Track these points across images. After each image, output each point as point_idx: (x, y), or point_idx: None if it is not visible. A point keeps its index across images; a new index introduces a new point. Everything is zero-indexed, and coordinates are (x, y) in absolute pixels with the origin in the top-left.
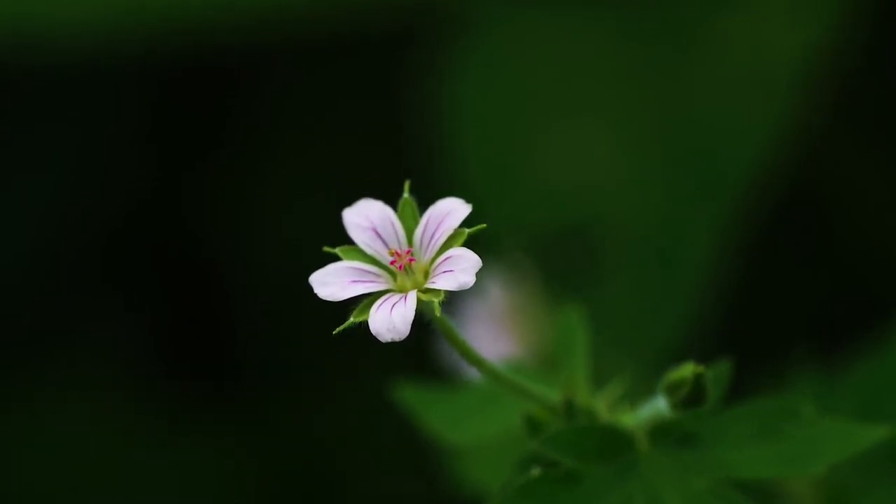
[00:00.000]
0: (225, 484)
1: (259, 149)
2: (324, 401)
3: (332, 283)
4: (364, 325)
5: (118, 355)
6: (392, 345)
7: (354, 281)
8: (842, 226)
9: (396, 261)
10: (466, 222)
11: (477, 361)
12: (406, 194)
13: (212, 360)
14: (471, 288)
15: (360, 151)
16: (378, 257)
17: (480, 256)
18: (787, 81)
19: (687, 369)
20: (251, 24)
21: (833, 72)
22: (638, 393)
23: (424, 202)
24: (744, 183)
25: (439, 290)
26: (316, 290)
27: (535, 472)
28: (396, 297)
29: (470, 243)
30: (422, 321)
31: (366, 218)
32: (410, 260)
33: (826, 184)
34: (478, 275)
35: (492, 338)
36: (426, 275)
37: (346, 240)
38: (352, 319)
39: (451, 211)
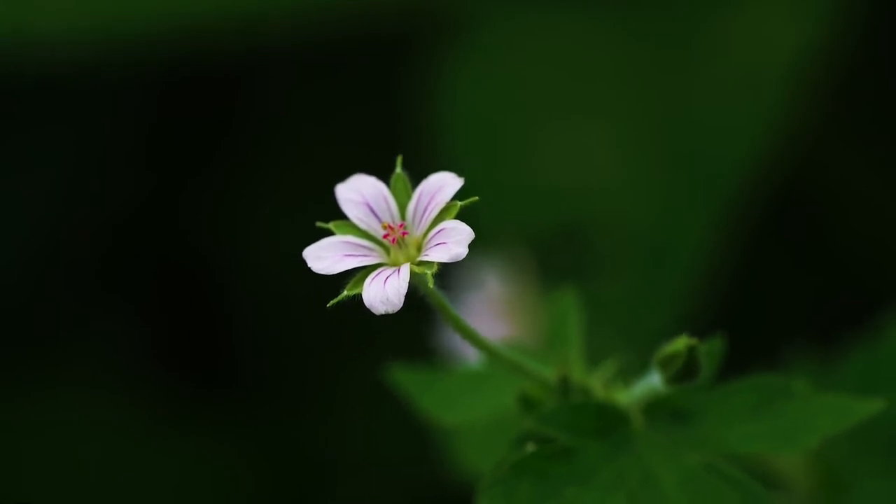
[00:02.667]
0: (224, 484)
1: (259, 155)
2: (321, 403)
3: (326, 256)
4: (360, 315)
5: (117, 357)
6: (389, 347)
7: (348, 255)
8: (837, 225)
9: (389, 234)
10: (458, 196)
11: (470, 336)
12: (398, 169)
13: (211, 361)
14: (468, 280)
15: (360, 158)
16: (371, 232)
17: (478, 251)
18: (785, 81)
19: (680, 342)
20: (248, 29)
21: (830, 72)
22: (631, 380)
23: None
24: (740, 181)
25: (432, 263)
26: (310, 264)
27: (530, 447)
28: (389, 270)
29: (462, 216)
30: (416, 302)
31: (358, 193)
32: (403, 233)
33: (822, 183)
34: (475, 267)
35: (488, 329)
36: (419, 248)
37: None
38: (345, 292)
39: (443, 185)
